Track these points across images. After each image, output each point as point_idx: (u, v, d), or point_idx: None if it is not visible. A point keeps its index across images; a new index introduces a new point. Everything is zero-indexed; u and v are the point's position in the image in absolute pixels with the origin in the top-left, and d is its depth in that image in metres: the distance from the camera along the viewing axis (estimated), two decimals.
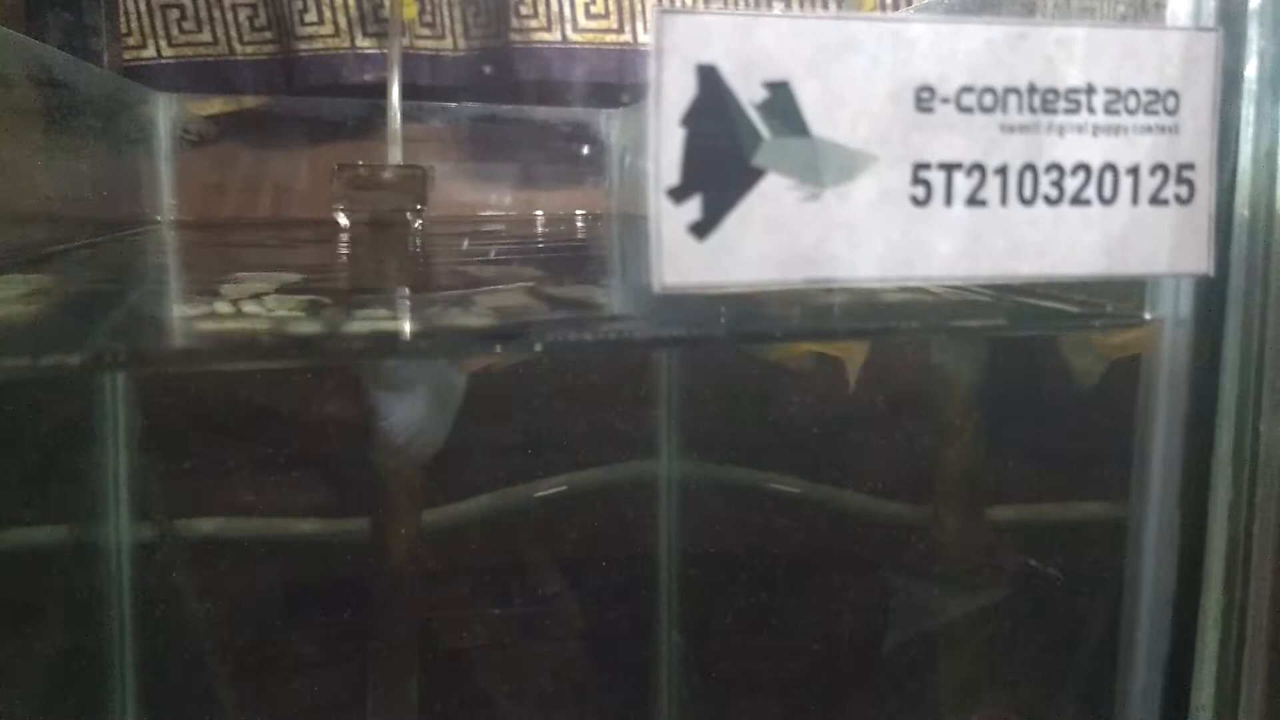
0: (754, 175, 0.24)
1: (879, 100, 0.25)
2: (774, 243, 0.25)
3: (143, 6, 0.93)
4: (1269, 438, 0.28)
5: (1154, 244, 0.27)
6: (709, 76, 0.24)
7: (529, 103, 0.96)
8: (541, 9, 0.96)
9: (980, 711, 0.70)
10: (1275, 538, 0.29)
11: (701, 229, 0.24)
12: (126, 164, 0.80)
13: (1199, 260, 0.27)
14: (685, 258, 0.24)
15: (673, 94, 0.23)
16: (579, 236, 0.84)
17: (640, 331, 0.27)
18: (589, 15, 0.96)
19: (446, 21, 1.00)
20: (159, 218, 0.85)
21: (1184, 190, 0.27)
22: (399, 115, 0.85)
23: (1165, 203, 0.27)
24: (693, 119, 0.24)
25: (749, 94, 0.24)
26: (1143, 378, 0.30)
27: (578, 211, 0.96)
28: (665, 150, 0.23)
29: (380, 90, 0.86)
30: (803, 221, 0.25)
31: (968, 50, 0.25)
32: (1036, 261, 0.26)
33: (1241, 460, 0.29)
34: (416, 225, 0.80)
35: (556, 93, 0.97)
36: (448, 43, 1.00)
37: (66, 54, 0.65)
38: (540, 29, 0.97)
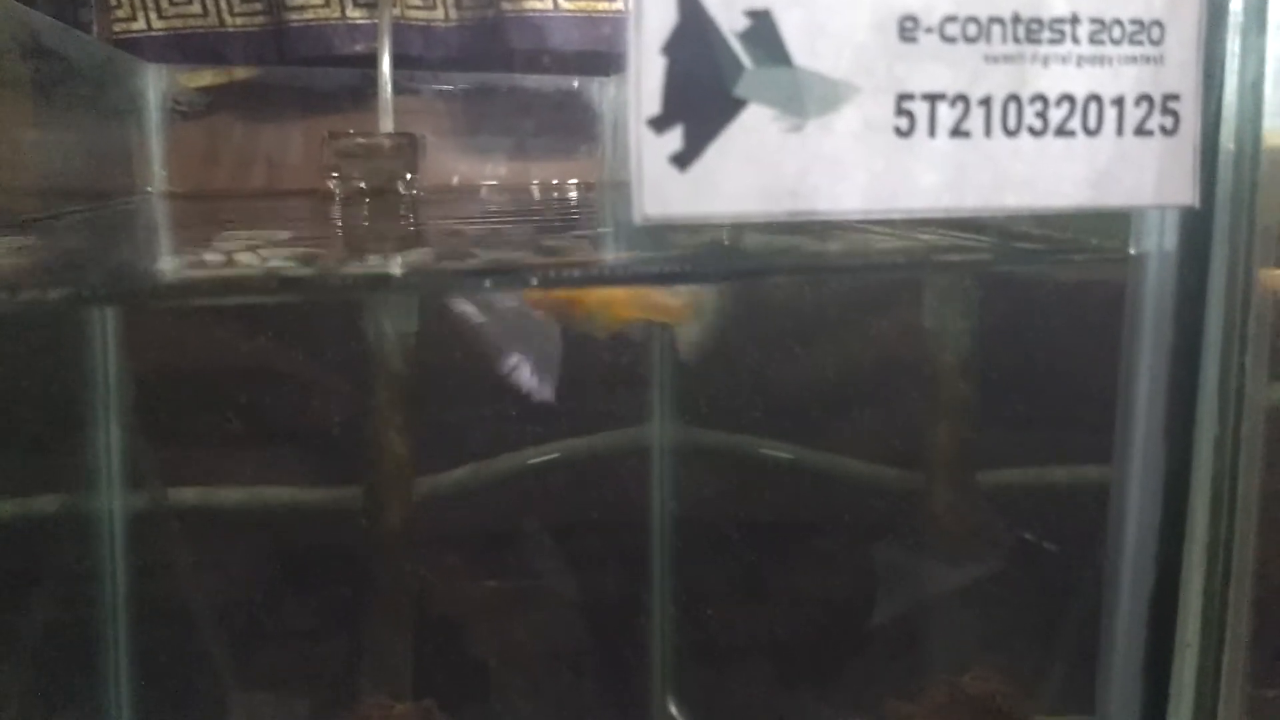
0: (736, 105, 0.24)
1: (862, 29, 0.25)
2: (756, 174, 0.25)
3: None
4: (1254, 372, 0.28)
5: (1139, 175, 0.26)
6: (690, 4, 0.23)
7: (521, 72, 0.96)
8: None
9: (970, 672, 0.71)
10: (1261, 471, 0.29)
11: (683, 160, 0.24)
12: (116, 135, 0.80)
13: (1184, 191, 0.27)
14: (667, 188, 0.24)
15: (653, 22, 0.23)
16: (564, 203, 0.84)
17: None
18: None
19: None
20: (150, 189, 0.85)
21: (1169, 121, 0.27)
22: (390, 84, 0.84)
23: (1150, 134, 0.27)
24: (673, 48, 0.23)
25: (730, 22, 0.24)
26: (1128, 312, 0.30)
27: (571, 181, 0.96)
28: (645, 79, 0.23)
29: (371, 60, 0.86)
30: (785, 153, 0.25)
31: None
32: (1021, 193, 0.26)
33: (1227, 394, 0.29)
34: (410, 193, 0.80)
35: (549, 62, 0.97)
36: (439, 13, 0.99)
37: (56, 21, 0.65)
38: None
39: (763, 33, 0.24)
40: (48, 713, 0.68)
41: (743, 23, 0.24)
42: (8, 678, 0.66)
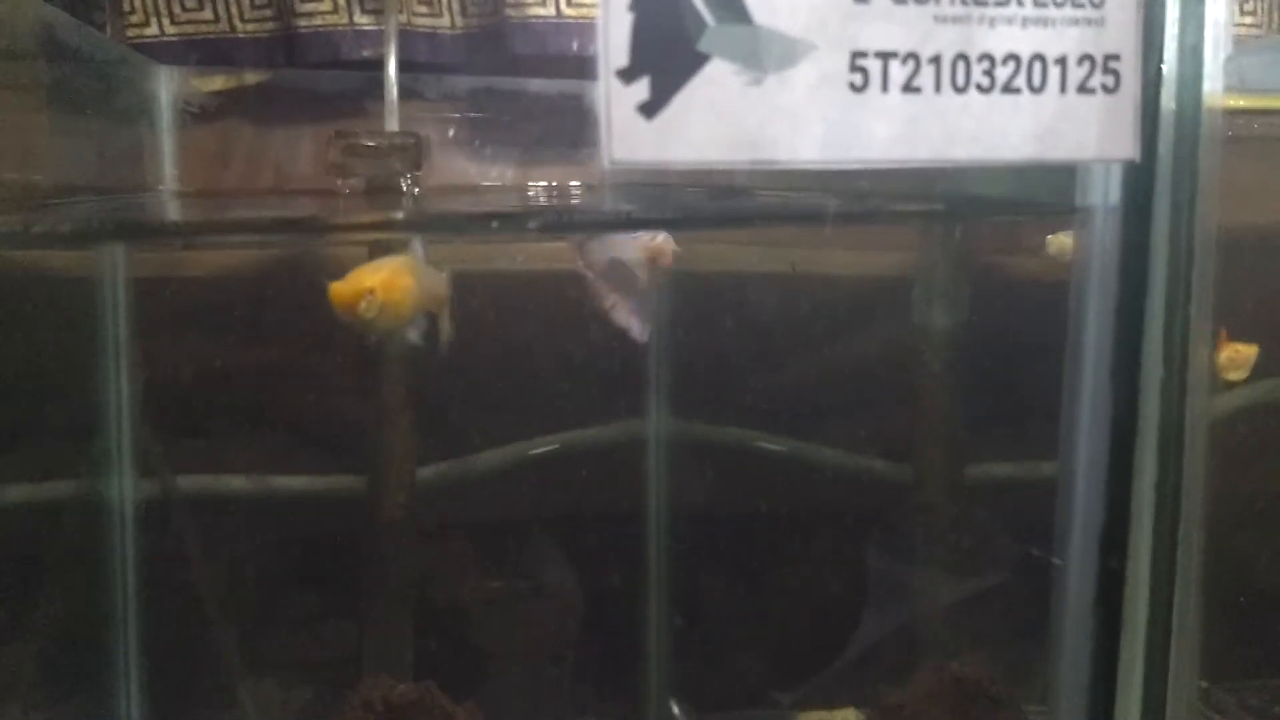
0: (699, 59, 0.26)
1: None
2: (719, 124, 0.26)
3: None
4: (1198, 318, 0.30)
5: (1082, 130, 0.28)
6: None
7: (524, 76, 0.98)
8: None
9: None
10: (1206, 412, 0.30)
11: (650, 109, 0.26)
12: (128, 133, 0.82)
13: (1125, 146, 0.29)
14: (634, 135, 0.25)
15: None
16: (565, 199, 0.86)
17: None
18: None
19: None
20: (161, 187, 0.87)
21: (1110, 80, 0.28)
22: (395, 86, 0.86)
23: (1092, 91, 0.28)
24: (640, 4, 0.25)
25: None
26: (1075, 263, 0.31)
27: (573, 182, 0.98)
28: (614, 33, 0.25)
29: (378, 65, 0.88)
30: (746, 105, 0.26)
31: None
32: (970, 146, 0.28)
33: (1172, 338, 0.30)
34: (413, 191, 0.82)
35: (551, 66, 0.99)
36: (445, 20, 1.01)
37: (74, 19, 0.67)
38: (535, 4, 0.98)
39: None
40: (60, 691, 0.69)
41: None
42: (21, 657, 0.67)
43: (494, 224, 0.32)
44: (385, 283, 0.55)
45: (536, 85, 0.97)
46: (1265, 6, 1.05)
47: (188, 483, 0.81)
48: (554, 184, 0.97)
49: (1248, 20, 1.05)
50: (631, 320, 0.71)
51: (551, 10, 0.99)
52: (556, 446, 0.83)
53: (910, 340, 0.75)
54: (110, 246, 0.78)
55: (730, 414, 0.84)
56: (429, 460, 0.83)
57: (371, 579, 0.82)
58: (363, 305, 0.53)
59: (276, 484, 0.81)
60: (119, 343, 0.78)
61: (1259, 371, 0.72)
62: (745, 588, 0.86)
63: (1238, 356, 0.65)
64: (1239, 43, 0.97)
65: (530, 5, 0.98)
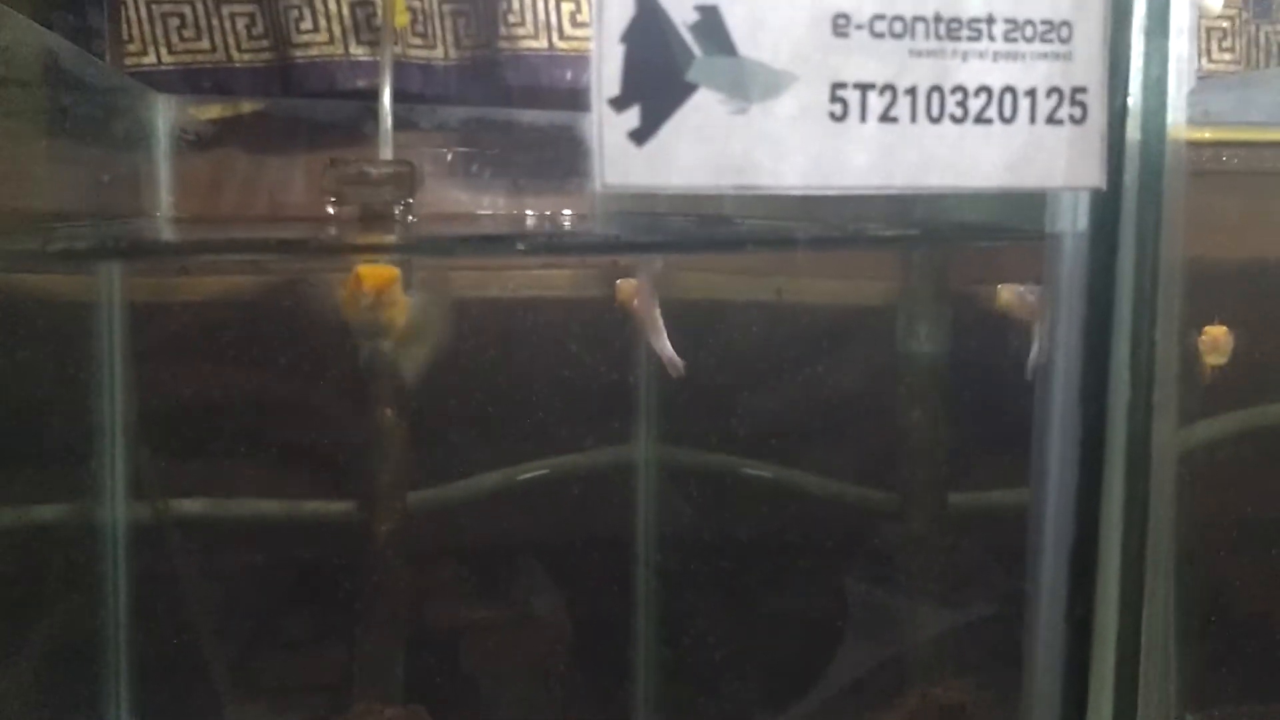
0: (687, 89, 0.27)
1: (799, 25, 0.28)
2: (706, 151, 0.28)
3: (144, 14, 0.96)
4: (1164, 342, 0.31)
5: (1051, 159, 0.30)
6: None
7: (517, 107, 0.99)
8: (529, 17, 0.99)
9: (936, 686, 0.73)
10: (1171, 434, 0.31)
11: (640, 135, 0.27)
12: (126, 160, 0.83)
13: (1093, 174, 0.30)
14: (625, 161, 0.27)
15: (613, 14, 0.26)
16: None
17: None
18: (574, 23, 0.99)
19: (438, 31, 1.03)
20: (157, 213, 0.88)
21: (1077, 111, 0.30)
22: (390, 116, 0.88)
23: (1060, 122, 0.30)
24: (631, 36, 0.27)
25: (682, 16, 0.27)
26: (1045, 288, 0.33)
27: (565, 211, 0.99)
28: (606, 64, 0.26)
29: (372, 95, 0.89)
30: (732, 133, 0.28)
31: None
32: (944, 174, 0.29)
33: (1139, 362, 0.32)
34: (406, 218, 0.83)
35: (544, 97, 1.00)
36: (439, 52, 1.03)
37: (74, 46, 0.68)
38: (528, 36, 1.00)
39: (711, 25, 0.27)
40: (52, 713, 0.70)
41: (693, 16, 0.27)
42: (12, 679, 0.68)
43: (483, 246, 0.33)
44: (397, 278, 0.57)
45: (529, 116, 0.98)
46: (1243, 43, 1.08)
47: (180, 506, 0.81)
48: (546, 212, 0.99)
49: (1226, 57, 1.07)
50: (671, 354, 0.73)
51: (544, 43, 1.00)
52: (546, 471, 0.84)
53: (894, 367, 0.77)
54: (107, 273, 0.79)
55: (718, 440, 0.85)
56: (420, 485, 0.83)
57: (363, 603, 0.82)
58: (388, 291, 0.55)
59: (269, 508, 0.82)
60: (114, 366, 0.79)
61: (1243, 400, 0.74)
62: (733, 613, 0.87)
63: (1215, 341, 0.67)
64: (1217, 78, 0.99)
65: (523, 38, 1.00)
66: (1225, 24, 1.06)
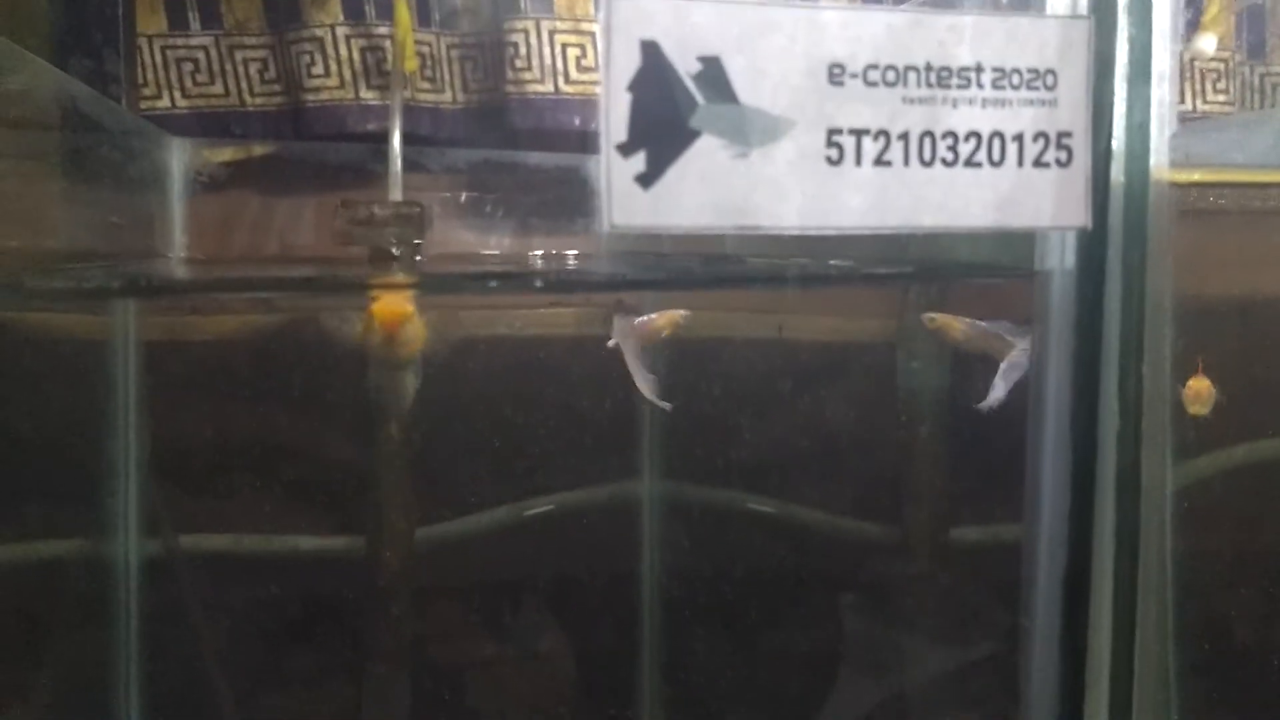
0: (691, 135, 0.29)
1: (797, 74, 0.29)
2: (709, 193, 0.29)
3: (159, 59, 0.98)
4: (1152, 375, 0.32)
5: (1038, 201, 0.31)
6: (651, 50, 0.28)
7: (524, 149, 1.01)
8: (535, 62, 1.01)
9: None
10: (1161, 464, 0.32)
11: (646, 179, 0.28)
12: (140, 201, 0.85)
13: (1078, 215, 0.31)
14: (631, 203, 0.28)
15: (620, 64, 0.28)
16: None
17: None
18: (580, 68, 1.01)
19: (446, 76, 1.04)
20: (170, 254, 0.90)
21: (1063, 155, 0.31)
22: (399, 158, 0.89)
23: (1047, 165, 0.31)
24: (637, 86, 0.28)
25: (685, 66, 0.28)
26: (1035, 324, 0.34)
27: (570, 251, 1.00)
28: (614, 112, 0.28)
29: (382, 138, 0.91)
30: (734, 176, 0.29)
31: (872, 33, 0.29)
32: (936, 215, 0.30)
33: (1127, 394, 0.33)
34: (415, 258, 0.84)
35: (550, 140, 1.01)
36: (447, 96, 1.05)
37: (93, 90, 0.70)
38: (534, 81, 1.02)
39: (713, 75, 0.29)
40: None
41: (696, 66, 0.29)
42: (25, 715, 0.68)
43: (492, 283, 0.35)
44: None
45: (535, 158, 1.00)
46: (1236, 85, 1.09)
47: (190, 541, 0.82)
48: (553, 252, 1.00)
49: (1220, 99, 1.09)
50: (650, 392, 0.74)
51: (550, 87, 1.02)
52: (552, 507, 0.85)
53: (894, 402, 0.78)
54: (122, 312, 0.80)
55: (721, 476, 0.86)
56: (427, 521, 0.84)
57: (370, 639, 0.83)
58: (404, 325, 0.56)
59: (277, 543, 0.83)
60: (129, 404, 0.80)
61: (1232, 437, 0.75)
62: (738, 649, 0.87)
63: (1197, 393, 0.68)
64: (1210, 120, 1.01)
65: (529, 82, 1.02)
66: (1218, 66, 1.07)
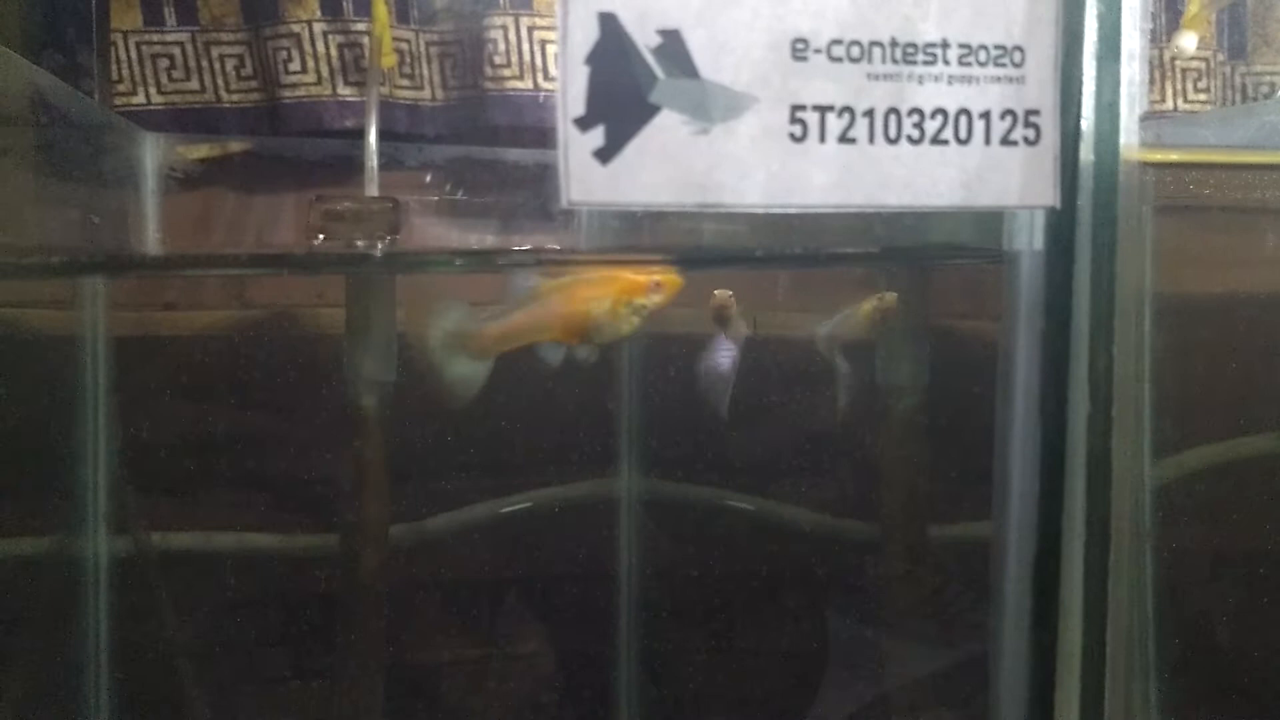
0: (650, 110, 0.28)
1: (760, 49, 0.29)
2: (669, 170, 0.28)
3: (134, 55, 0.97)
4: (1122, 356, 0.32)
5: (1006, 179, 0.30)
6: (609, 23, 0.28)
7: (503, 146, 1.00)
8: (514, 59, 1.00)
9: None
10: (1132, 449, 0.32)
11: (604, 154, 0.28)
12: (114, 197, 0.84)
13: (1046, 194, 0.31)
14: (590, 179, 0.28)
15: (577, 37, 0.27)
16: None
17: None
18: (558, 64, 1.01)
19: (425, 73, 1.04)
20: (144, 251, 0.89)
21: (1031, 133, 0.31)
22: (375, 154, 0.88)
23: (1015, 143, 0.31)
24: (595, 59, 0.27)
25: (645, 39, 0.28)
26: (1005, 304, 0.33)
27: (550, 247, 1.00)
28: (571, 85, 0.27)
29: (360, 134, 0.90)
30: (694, 152, 0.28)
31: (837, 8, 0.29)
32: (902, 193, 0.30)
33: (1097, 376, 0.32)
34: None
35: (529, 136, 1.01)
36: (426, 93, 1.04)
37: (62, 83, 0.69)
38: (513, 77, 1.01)
39: (673, 49, 0.28)
40: None
41: (656, 40, 0.28)
42: None
43: (458, 261, 0.34)
44: None
45: (514, 155, 0.99)
46: (1218, 84, 1.09)
47: (161, 540, 0.81)
48: (531, 249, 0.99)
49: (1201, 97, 1.09)
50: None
51: (529, 83, 1.02)
52: (529, 505, 0.84)
53: (873, 398, 0.77)
54: (91, 307, 0.79)
55: (700, 473, 0.86)
56: (402, 518, 0.84)
57: (343, 637, 0.82)
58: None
59: (249, 542, 0.82)
60: (98, 400, 0.79)
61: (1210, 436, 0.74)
62: (716, 647, 0.87)
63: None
64: (1191, 117, 1.01)
65: (508, 79, 1.01)
66: (1199, 65, 1.07)
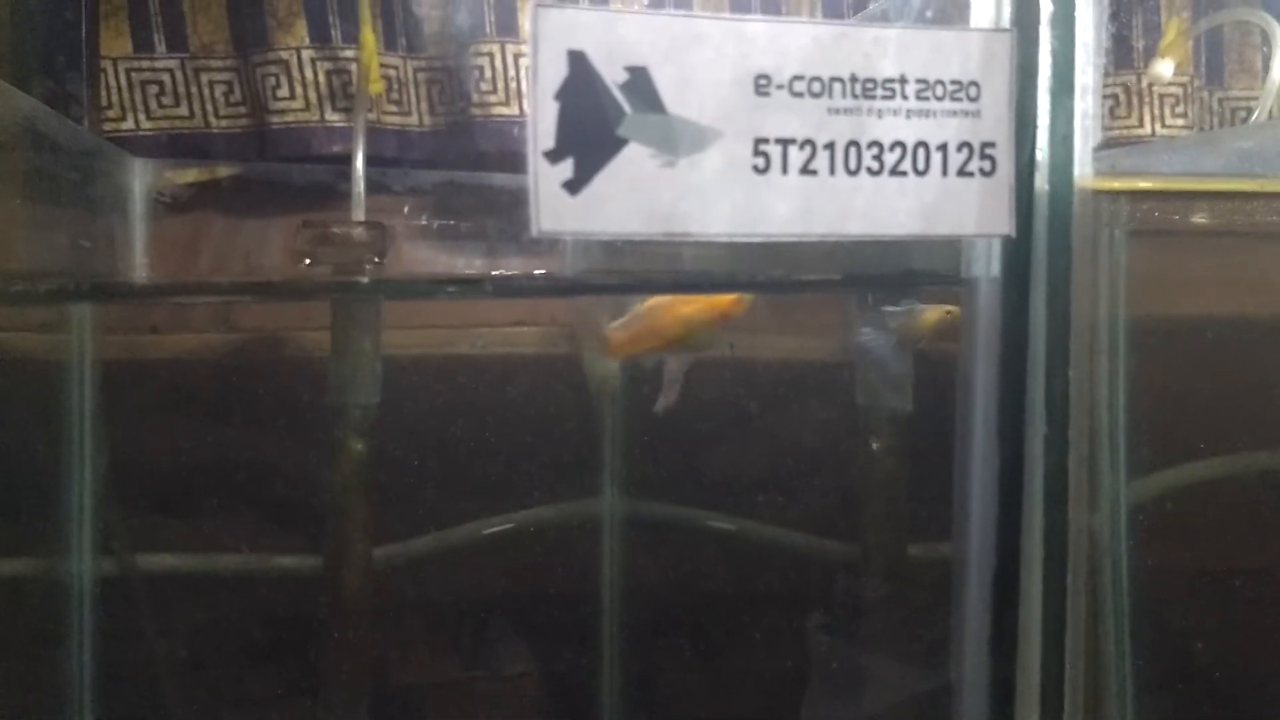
0: (618, 143, 0.29)
1: (724, 85, 0.30)
2: (637, 201, 0.29)
3: (123, 81, 0.98)
4: (1078, 379, 0.33)
5: (962, 209, 0.31)
6: (578, 60, 0.29)
7: (489, 171, 1.01)
8: (500, 85, 1.01)
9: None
10: (1089, 467, 0.33)
11: (574, 186, 0.29)
12: (102, 222, 0.85)
13: (1002, 223, 0.32)
14: (560, 209, 0.29)
15: (547, 74, 0.28)
16: None
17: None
18: None
19: (412, 99, 1.05)
20: (132, 275, 0.89)
21: (987, 165, 0.32)
22: (362, 179, 0.89)
23: (971, 175, 0.32)
24: (565, 95, 0.29)
25: (613, 76, 0.29)
26: (963, 330, 0.34)
27: (536, 271, 1.01)
28: (542, 119, 0.28)
29: (348, 160, 0.91)
30: (661, 184, 0.30)
31: (799, 45, 0.30)
32: (862, 222, 0.31)
33: (1054, 399, 0.33)
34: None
35: (515, 161, 1.01)
36: (413, 118, 1.05)
37: (50, 109, 0.70)
38: (499, 103, 1.02)
39: (640, 85, 0.29)
40: None
41: (623, 76, 0.29)
42: None
43: (450, 289, 0.35)
44: None
45: (500, 179, 1.00)
46: (1195, 109, 1.11)
47: (146, 562, 0.82)
48: (517, 273, 1.00)
49: (1178, 123, 1.10)
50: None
51: (515, 109, 1.03)
52: (512, 526, 0.85)
53: (855, 420, 0.78)
54: (78, 330, 0.80)
55: (682, 494, 0.87)
56: (385, 540, 0.84)
57: (327, 659, 0.82)
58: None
59: (235, 563, 0.83)
60: (84, 423, 0.80)
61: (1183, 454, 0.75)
62: (699, 667, 0.87)
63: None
64: (1166, 141, 1.02)
65: (494, 105, 1.02)
66: (1177, 90, 1.09)
